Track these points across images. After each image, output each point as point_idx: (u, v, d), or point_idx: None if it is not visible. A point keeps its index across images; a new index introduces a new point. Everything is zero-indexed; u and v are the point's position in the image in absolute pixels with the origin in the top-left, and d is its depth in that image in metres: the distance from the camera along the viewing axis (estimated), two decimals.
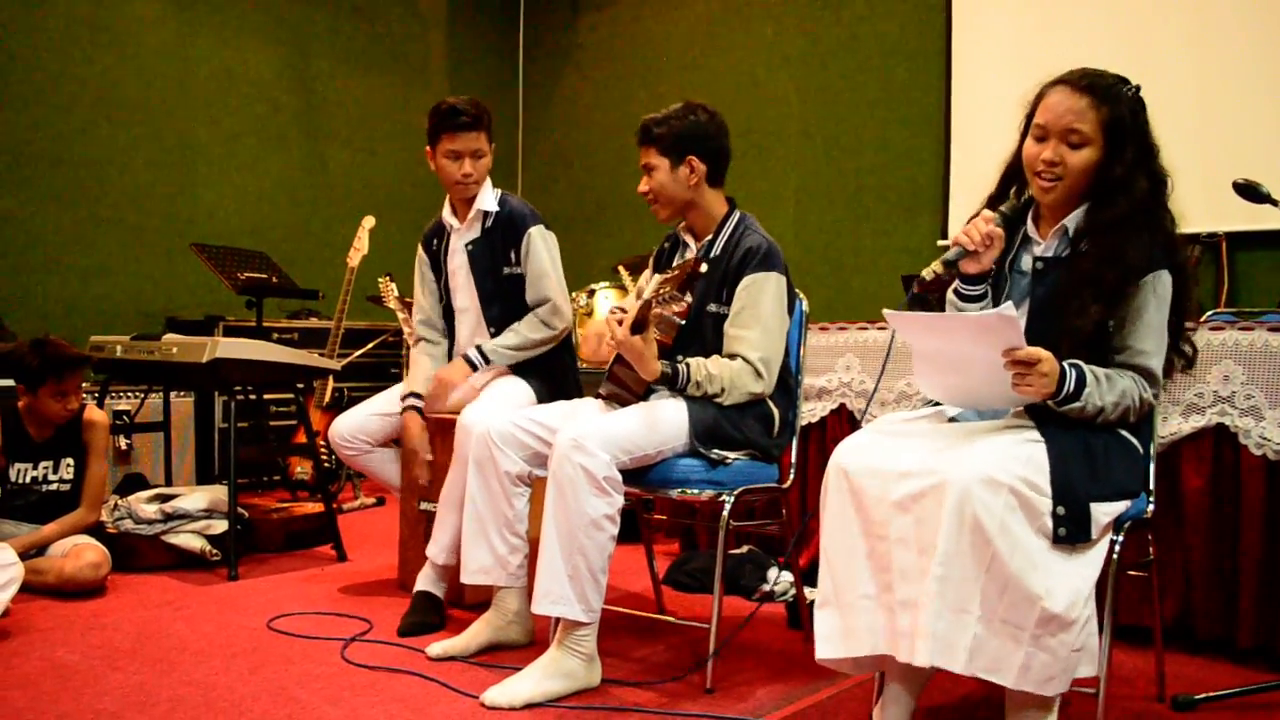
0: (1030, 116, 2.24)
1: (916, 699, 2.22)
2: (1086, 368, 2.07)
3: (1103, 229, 2.16)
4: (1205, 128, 4.45)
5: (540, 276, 3.44)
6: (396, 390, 3.65)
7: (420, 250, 3.69)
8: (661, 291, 2.54)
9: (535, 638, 2.93)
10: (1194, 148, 4.47)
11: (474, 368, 3.39)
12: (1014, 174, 2.33)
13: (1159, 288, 2.14)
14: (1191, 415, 2.92)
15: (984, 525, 1.89)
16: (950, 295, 2.37)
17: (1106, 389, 2.08)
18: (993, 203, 2.34)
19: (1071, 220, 2.23)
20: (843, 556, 2.11)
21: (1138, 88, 2.19)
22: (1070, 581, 1.93)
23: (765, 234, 2.88)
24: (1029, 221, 2.33)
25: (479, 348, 3.41)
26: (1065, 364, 2.05)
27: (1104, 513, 2.04)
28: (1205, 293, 4.18)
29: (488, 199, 3.50)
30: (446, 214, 3.58)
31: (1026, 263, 2.30)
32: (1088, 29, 4.81)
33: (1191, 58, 4.51)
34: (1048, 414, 2.10)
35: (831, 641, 2.11)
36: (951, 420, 2.32)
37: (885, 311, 2.12)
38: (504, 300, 3.48)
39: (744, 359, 2.75)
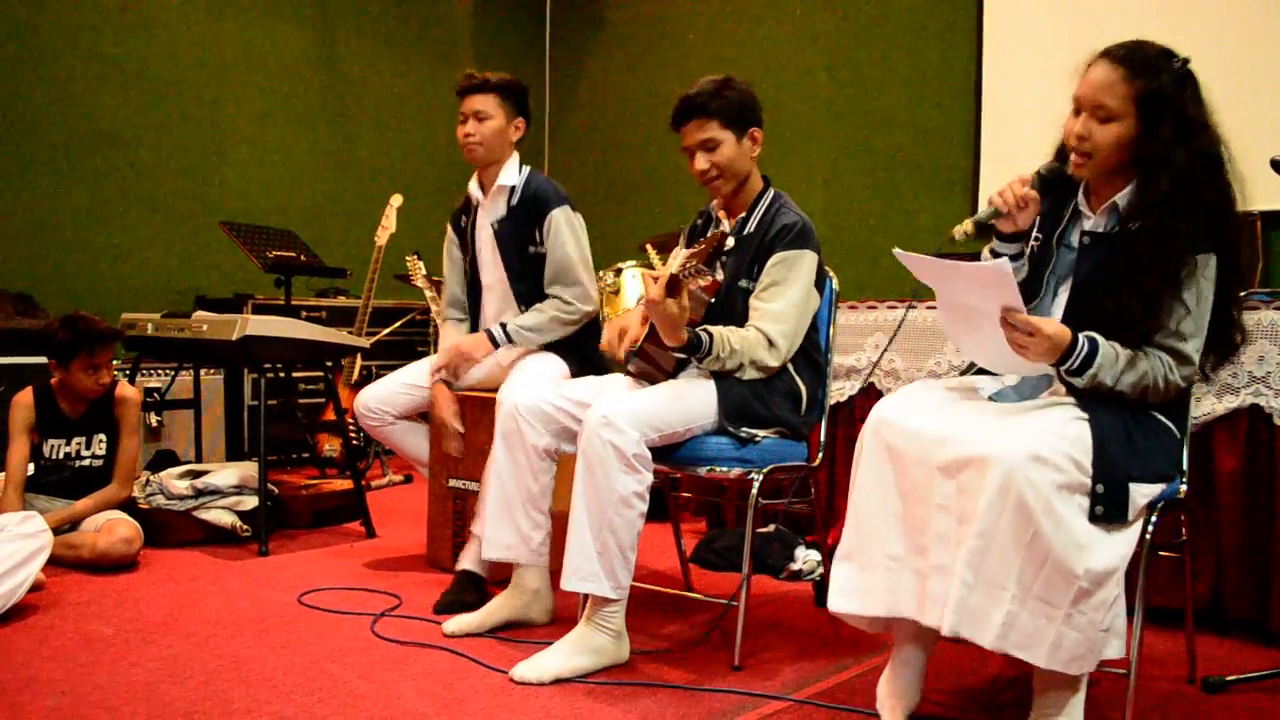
0: None
1: (926, 664, 2.21)
2: (1105, 345, 2.04)
3: (1146, 209, 2.11)
4: (1242, 103, 4.36)
5: (561, 259, 3.43)
6: (426, 363, 3.67)
7: (449, 229, 3.70)
8: (688, 265, 2.52)
9: (554, 617, 2.93)
10: (1230, 126, 4.40)
11: (495, 344, 3.41)
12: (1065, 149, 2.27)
13: (1205, 271, 2.09)
14: (1225, 396, 2.89)
15: (1029, 503, 1.87)
16: (984, 253, 2.35)
17: (1124, 368, 2.05)
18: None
19: (1123, 197, 2.18)
20: (874, 513, 2.09)
21: (1185, 60, 2.11)
22: (1104, 560, 1.92)
23: (800, 212, 2.86)
24: (1080, 195, 2.28)
25: (503, 325, 3.41)
26: (1081, 336, 2.03)
27: (1141, 494, 2.02)
28: None
29: (510, 174, 3.50)
30: (472, 187, 3.59)
31: (1075, 238, 2.26)
32: (1120, 8, 4.75)
33: (1229, 31, 4.44)
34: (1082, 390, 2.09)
35: (847, 595, 2.10)
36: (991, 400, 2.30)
37: (896, 251, 2.12)
38: (532, 277, 3.48)
39: (758, 329, 2.74)
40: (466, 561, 3.18)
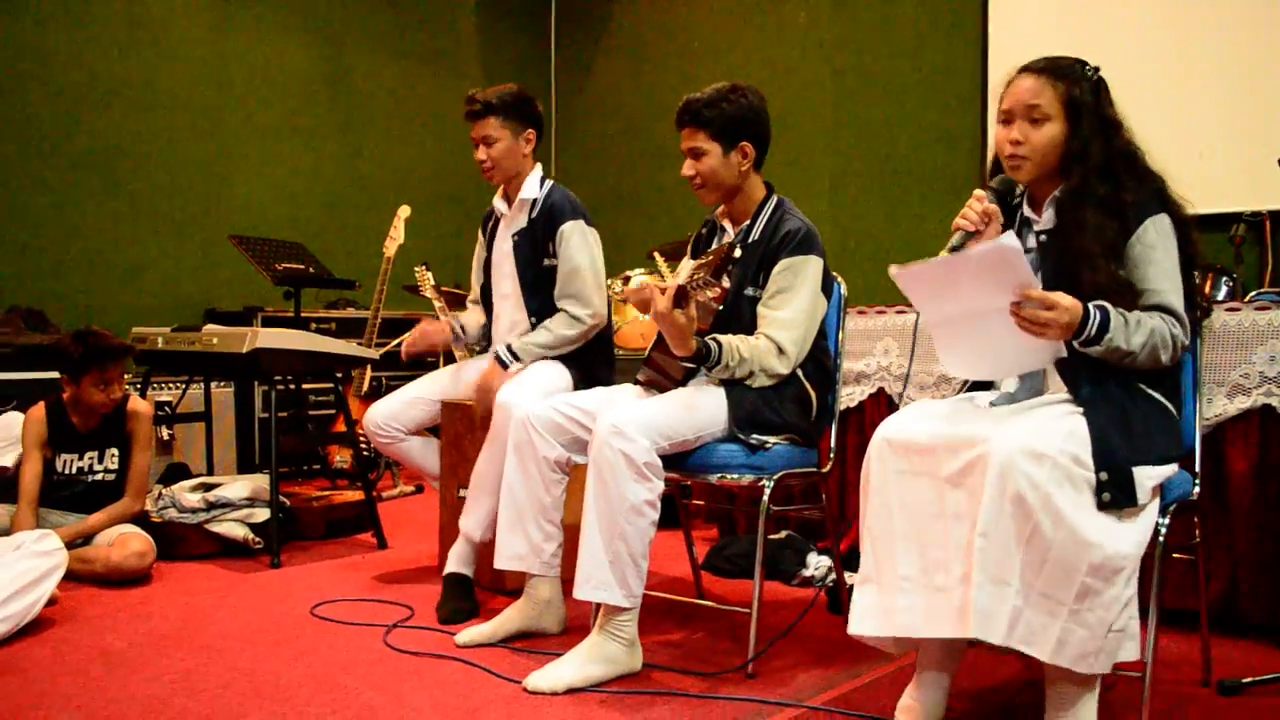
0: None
1: (952, 683, 2.21)
2: (1112, 309, 2.07)
3: (1076, 203, 2.21)
4: (1250, 104, 4.38)
5: (571, 273, 3.42)
6: (431, 376, 3.68)
7: (480, 232, 3.75)
8: (696, 277, 2.52)
9: (566, 626, 2.93)
10: (1238, 125, 4.40)
11: (505, 366, 3.40)
12: (999, 164, 2.38)
13: (1160, 229, 2.17)
14: (1237, 396, 2.88)
15: (1026, 498, 1.89)
16: None
17: (1134, 330, 2.08)
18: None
19: (1061, 191, 2.26)
20: (885, 534, 2.10)
21: (1096, 69, 2.27)
22: (1112, 556, 1.91)
23: (804, 217, 2.86)
24: (1024, 205, 2.36)
25: (509, 346, 3.42)
26: (1090, 305, 2.05)
27: (1147, 476, 2.02)
28: (1250, 272, 4.11)
29: (530, 187, 3.52)
30: (497, 199, 3.62)
31: (1030, 241, 2.32)
32: (1126, 9, 4.74)
33: (1235, 33, 4.44)
34: (1084, 380, 2.12)
35: (870, 618, 2.11)
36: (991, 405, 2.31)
37: (891, 269, 2.13)
38: (545, 291, 3.48)
39: (767, 336, 2.74)
40: (454, 563, 3.19)
